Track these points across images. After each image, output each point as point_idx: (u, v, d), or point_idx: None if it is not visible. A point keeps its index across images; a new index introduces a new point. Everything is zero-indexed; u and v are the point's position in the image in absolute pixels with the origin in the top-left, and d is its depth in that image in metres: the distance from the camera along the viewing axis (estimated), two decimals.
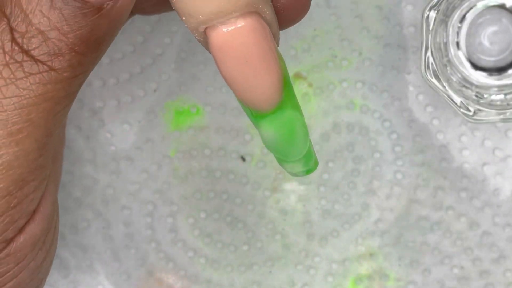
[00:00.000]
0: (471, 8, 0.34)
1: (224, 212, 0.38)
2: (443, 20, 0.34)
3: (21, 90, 0.25)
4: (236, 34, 0.25)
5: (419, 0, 0.36)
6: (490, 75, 0.35)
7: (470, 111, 0.34)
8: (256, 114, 0.26)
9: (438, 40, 0.34)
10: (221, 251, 0.38)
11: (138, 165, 0.38)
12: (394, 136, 0.37)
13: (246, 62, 0.25)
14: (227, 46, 0.25)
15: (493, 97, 0.35)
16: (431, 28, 0.33)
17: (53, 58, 0.25)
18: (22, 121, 0.25)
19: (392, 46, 0.37)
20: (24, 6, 0.24)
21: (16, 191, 0.26)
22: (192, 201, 0.38)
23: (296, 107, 0.27)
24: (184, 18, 0.25)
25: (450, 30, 0.34)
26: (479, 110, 0.34)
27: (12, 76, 0.25)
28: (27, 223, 0.27)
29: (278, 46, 0.27)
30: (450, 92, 0.34)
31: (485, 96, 0.35)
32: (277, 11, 0.28)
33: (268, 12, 0.26)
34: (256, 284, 0.38)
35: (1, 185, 0.25)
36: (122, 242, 0.38)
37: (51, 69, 0.25)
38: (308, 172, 0.28)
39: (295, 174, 0.28)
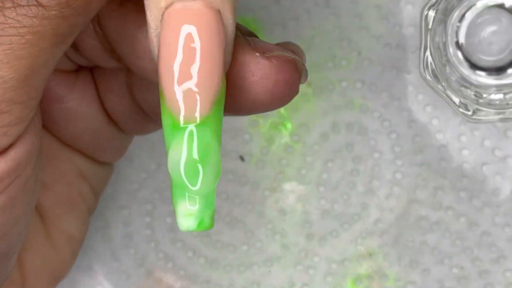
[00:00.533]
0: (470, 8, 0.34)
1: (223, 212, 0.38)
2: (442, 20, 0.34)
3: (7, 18, 0.25)
4: (194, 16, 0.24)
5: (418, 0, 0.36)
6: (489, 75, 0.35)
7: (469, 110, 0.34)
8: (174, 124, 0.25)
9: (437, 39, 0.34)
10: (221, 251, 0.38)
11: (138, 164, 0.38)
12: (393, 136, 0.37)
13: (191, 52, 0.24)
14: (180, 26, 0.24)
15: (492, 96, 0.35)
16: (430, 27, 0.33)
17: None
18: (4, 49, 0.25)
19: (392, 45, 0.37)
20: None
21: None
22: None
23: (219, 135, 0.25)
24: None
25: (449, 29, 0.34)
26: (478, 109, 0.34)
27: (1, 4, 0.25)
28: None
29: (226, 69, 0.25)
30: (449, 92, 0.34)
31: (484, 95, 0.34)
32: (256, 84, 0.27)
33: (231, 22, 0.25)
34: (256, 284, 0.38)
35: None
36: (121, 241, 0.38)
37: (39, 4, 0.25)
38: (200, 225, 0.25)
39: (186, 222, 0.25)
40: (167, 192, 0.38)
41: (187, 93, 0.24)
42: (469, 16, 0.34)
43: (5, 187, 0.27)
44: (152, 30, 0.25)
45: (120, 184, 0.38)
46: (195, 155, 0.25)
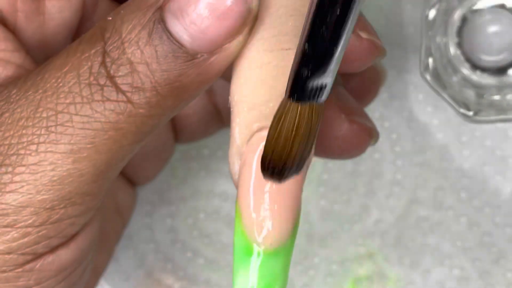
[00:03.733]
0: (471, 8, 0.34)
1: (223, 213, 0.38)
2: (443, 20, 0.34)
3: (94, 111, 0.25)
4: None
5: (418, 0, 0.36)
6: (490, 75, 0.35)
7: (470, 111, 0.34)
8: (248, 248, 0.25)
9: (437, 40, 0.34)
10: (220, 251, 0.38)
11: None
12: (394, 136, 0.37)
13: (282, 185, 0.25)
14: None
15: (493, 97, 0.35)
16: (430, 28, 0.33)
17: (134, 90, 0.25)
18: (86, 142, 0.25)
19: (392, 46, 0.37)
20: (123, 35, 0.25)
21: (59, 208, 0.26)
22: (191, 202, 0.38)
23: (288, 266, 0.26)
24: (245, 109, 0.25)
25: (450, 30, 0.34)
26: (479, 110, 0.34)
27: (90, 96, 0.25)
28: (60, 245, 0.27)
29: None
30: (450, 92, 0.34)
31: (485, 96, 0.34)
32: (334, 140, 0.28)
33: (310, 159, 0.25)
34: None
35: (47, 197, 0.25)
36: (121, 242, 0.38)
37: (129, 101, 0.25)
38: None
39: None
40: (167, 193, 0.38)
41: (265, 222, 0.25)
42: (469, 16, 0.34)
43: (66, 276, 0.27)
44: (237, 147, 0.25)
45: None
46: (263, 283, 0.25)
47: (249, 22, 0.25)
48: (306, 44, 0.23)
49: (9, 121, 0.25)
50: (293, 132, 0.24)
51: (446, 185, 0.37)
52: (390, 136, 0.37)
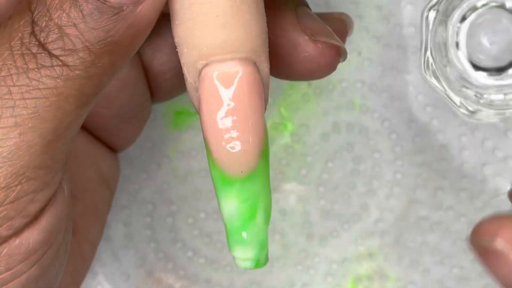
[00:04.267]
0: (470, 8, 0.34)
1: None
2: (443, 20, 0.34)
3: (31, 80, 0.25)
4: (232, 78, 0.25)
5: (418, 0, 0.36)
6: (490, 75, 0.35)
7: (469, 111, 0.34)
8: (224, 179, 0.26)
9: (437, 40, 0.34)
10: (221, 251, 0.38)
11: (138, 165, 0.38)
12: (393, 136, 0.37)
13: (233, 112, 0.25)
14: (219, 88, 0.25)
15: (493, 97, 0.35)
16: (430, 28, 0.33)
17: (67, 53, 0.25)
18: (28, 112, 0.25)
19: (392, 46, 0.37)
20: (48, 2, 0.25)
21: (15, 185, 0.25)
22: (192, 201, 0.38)
23: (267, 183, 0.26)
24: (185, 50, 0.25)
25: (450, 30, 0.34)
26: (479, 110, 0.34)
27: (25, 65, 0.25)
28: (25, 227, 0.26)
29: (266, 111, 0.26)
30: (450, 92, 0.34)
31: (484, 96, 0.34)
32: (300, 62, 0.28)
33: (266, 70, 0.26)
34: (256, 284, 0.38)
35: (0, 174, 0.25)
36: (122, 242, 0.38)
37: (64, 64, 0.25)
38: (257, 264, 0.27)
39: (243, 263, 0.27)
40: (167, 193, 0.38)
41: (233, 149, 0.25)
42: (469, 16, 0.34)
43: (38, 259, 0.27)
44: (190, 84, 0.26)
45: (120, 184, 0.38)
46: (247, 206, 0.26)
47: None
48: None
49: None
50: None
51: (446, 185, 0.37)
52: (390, 136, 0.37)
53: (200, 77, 0.25)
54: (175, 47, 0.33)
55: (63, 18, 0.25)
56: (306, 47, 0.29)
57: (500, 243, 0.25)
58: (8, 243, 0.26)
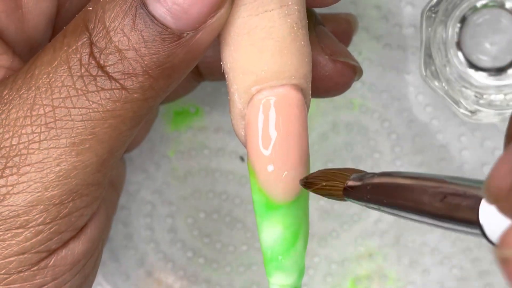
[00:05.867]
0: (470, 8, 0.34)
1: (223, 212, 0.38)
2: (443, 20, 0.34)
3: (91, 103, 0.25)
4: (283, 103, 0.26)
5: (418, 0, 0.36)
6: (490, 75, 0.35)
7: (469, 111, 0.34)
8: (269, 204, 0.26)
9: (437, 40, 0.34)
10: (220, 251, 0.38)
11: (137, 165, 0.38)
12: (393, 136, 0.37)
13: (284, 137, 0.26)
14: (271, 113, 0.26)
15: (493, 97, 0.35)
16: (430, 28, 0.33)
17: (126, 77, 0.25)
18: (86, 133, 0.25)
19: (392, 46, 0.37)
20: (107, 24, 0.25)
21: (68, 202, 0.26)
22: (191, 201, 0.38)
23: (308, 208, 0.27)
24: (241, 75, 0.26)
25: (450, 30, 0.34)
26: (479, 110, 0.34)
27: (84, 88, 0.25)
28: (71, 239, 0.27)
29: None
30: (450, 92, 0.34)
31: (484, 96, 0.34)
32: (319, 81, 0.29)
33: (309, 98, 0.27)
34: (256, 284, 0.38)
35: (55, 192, 0.26)
36: (121, 242, 0.38)
37: (123, 87, 0.25)
38: None
39: None
40: (166, 193, 0.38)
41: (279, 175, 0.26)
42: (469, 16, 0.34)
43: (81, 268, 0.28)
44: (239, 110, 0.26)
45: None
46: (290, 232, 0.26)
47: None
48: None
49: (6, 123, 0.26)
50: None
51: None
52: (390, 136, 0.37)
53: (252, 102, 0.26)
54: None
55: (123, 41, 0.25)
56: (326, 67, 0.29)
57: None
58: (55, 254, 0.27)
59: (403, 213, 0.24)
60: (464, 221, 0.23)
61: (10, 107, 0.26)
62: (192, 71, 0.34)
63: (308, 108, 0.26)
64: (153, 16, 0.25)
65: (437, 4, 0.33)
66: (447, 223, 0.23)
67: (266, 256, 0.27)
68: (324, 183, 0.26)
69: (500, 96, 0.35)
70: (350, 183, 0.26)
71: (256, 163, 0.26)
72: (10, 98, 0.26)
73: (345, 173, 0.27)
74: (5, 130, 0.25)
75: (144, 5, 0.25)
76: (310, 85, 0.26)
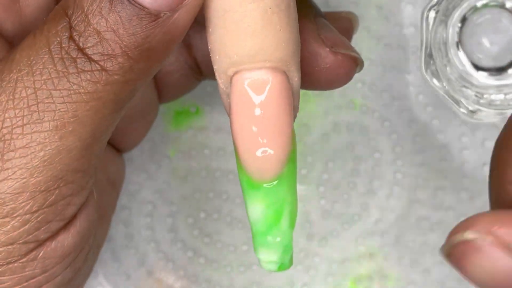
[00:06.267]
0: (471, 8, 0.34)
1: (223, 212, 0.38)
2: (443, 20, 0.34)
3: (72, 84, 0.25)
4: (262, 85, 0.26)
5: (418, 0, 0.36)
6: (490, 75, 0.35)
7: (470, 111, 0.34)
8: (251, 183, 0.26)
9: (438, 40, 0.34)
10: (221, 251, 0.38)
11: (138, 165, 0.38)
12: (394, 136, 0.37)
13: (262, 119, 0.26)
14: (249, 95, 0.26)
15: (493, 97, 0.35)
16: (431, 28, 0.33)
17: (105, 58, 0.25)
18: (69, 116, 0.25)
19: (392, 46, 0.37)
20: (85, 8, 0.25)
21: (54, 189, 0.26)
22: (192, 201, 0.38)
23: (294, 188, 0.27)
24: (217, 57, 0.26)
25: (450, 30, 0.34)
26: (479, 110, 0.34)
27: (65, 70, 0.25)
28: (60, 230, 0.27)
29: (294, 119, 0.27)
30: (450, 92, 0.34)
31: (485, 96, 0.34)
32: (320, 73, 0.29)
33: (296, 79, 0.26)
34: (256, 284, 0.38)
35: (40, 178, 0.25)
36: (122, 242, 0.38)
37: (103, 68, 0.25)
38: (281, 267, 0.27)
39: (267, 266, 0.27)
40: (167, 193, 0.38)
41: (261, 155, 0.26)
42: (469, 16, 0.34)
43: (71, 261, 0.27)
44: (222, 89, 0.26)
45: None
46: (272, 210, 0.26)
47: None
48: None
49: None
50: None
51: (446, 185, 0.37)
52: (390, 136, 0.37)
53: (231, 84, 0.26)
54: (182, 47, 0.33)
55: (101, 23, 0.25)
56: (326, 59, 0.29)
57: (472, 234, 0.25)
58: (45, 246, 0.26)
59: None
60: None
61: None
62: (193, 69, 0.34)
63: (296, 93, 0.27)
64: None
65: (437, 4, 0.33)
66: None
67: (252, 233, 0.27)
68: None
69: (501, 96, 0.35)
70: None
71: (236, 141, 0.26)
72: None
73: None
74: None
75: None
76: (294, 70, 0.26)
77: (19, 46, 0.26)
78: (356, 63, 0.30)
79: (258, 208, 0.27)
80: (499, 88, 0.35)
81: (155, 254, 0.38)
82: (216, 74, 0.26)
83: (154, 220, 0.38)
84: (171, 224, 0.38)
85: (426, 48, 0.34)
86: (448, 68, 0.34)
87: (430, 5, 0.33)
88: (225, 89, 0.26)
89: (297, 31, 0.26)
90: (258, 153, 0.26)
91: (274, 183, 0.26)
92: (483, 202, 0.37)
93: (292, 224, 0.27)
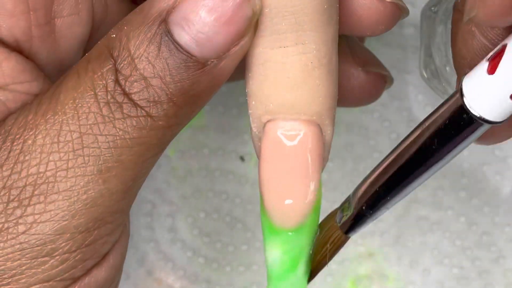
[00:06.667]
0: None
1: (223, 212, 0.38)
2: (443, 20, 0.34)
3: (117, 130, 0.25)
4: (294, 136, 0.26)
5: (418, 0, 0.36)
6: None
7: None
8: (272, 228, 0.27)
9: (437, 40, 0.34)
10: (220, 251, 0.38)
11: None
12: (393, 135, 0.37)
13: (291, 169, 0.26)
14: (281, 144, 0.26)
15: None
16: (430, 28, 0.33)
17: (151, 104, 0.25)
18: (113, 160, 0.25)
19: (392, 46, 0.37)
20: (132, 51, 0.25)
21: (93, 229, 0.26)
22: (191, 201, 0.38)
23: (312, 239, 0.27)
24: (253, 103, 0.26)
25: (450, 30, 0.34)
26: None
27: (111, 114, 0.25)
28: (94, 266, 0.27)
29: (323, 169, 0.27)
30: (449, 92, 0.34)
31: None
32: (352, 91, 0.30)
33: (329, 132, 0.27)
34: (256, 284, 0.38)
35: (81, 220, 0.26)
36: None
37: (148, 115, 0.25)
38: None
39: None
40: (167, 193, 0.38)
41: (286, 204, 0.26)
42: None
43: None
44: (254, 133, 0.27)
45: None
46: (289, 257, 0.27)
47: (254, 24, 0.25)
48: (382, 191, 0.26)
49: (33, 149, 0.25)
50: (328, 257, 0.28)
51: (446, 184, 0.37)
52: (390, 136, 0.37)
53: (264, 130, 0.26)
54: None
55: (148, 69, 0.25)
56: (358, 78, 0.30)
57: None
58: (79, 281, 0.27)
59: (407, 186, 0.25)
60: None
61: (37, 133, 0.25)
62: None
63: (328, 146, 0.27)
64: (178, 44, 0.25)
65: (437, 4, 0.33)
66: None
67: (267, 274, 0.27)
68: (324, 249, 0.28)
69: None
70: (341, 222, 0.28)
71: (262, 187, 0.26)
72: (36, 123, 0.26)
73: (327, 225, 0.28)
74: (32, 157, 0.25)
75: (169, 33, 0.25)
76: (328, 123, 0.27)
77: (63, 86, 0.26)
78: (385, 81, 0.31)
79: (275, 253, 0.27)
80: None
81: (154, 254, 0.38)
82: (251, 118, 0.27)
83: (153, 220, 0.38)
84: (171, 223, 0.38)
85: (425, 48, 0.34)
86: (447, 68, 0.34)
87: (430, 5, 0.33)
88: (257, 133, 0.27)
89: (335, 85, 0.27)
90: (283, 202, 0.26)
91: (294, 231, 0.27)
92: (482, 202, 0.37)
93: (308, 272, 0.27)
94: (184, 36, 0.25)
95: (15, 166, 0.25)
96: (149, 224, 0.38)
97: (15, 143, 0.25)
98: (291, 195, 0.26)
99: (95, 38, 0.29)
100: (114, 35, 0.25)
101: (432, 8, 0.33)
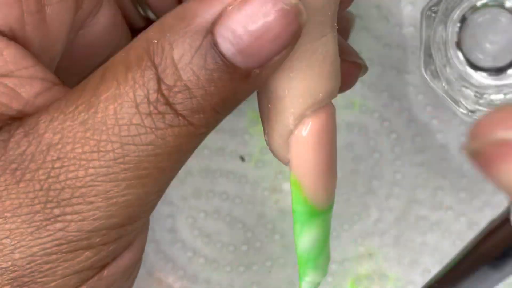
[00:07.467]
0: (470, 8, 0.34)
1: (223, 212, 0.38)
2: (443, 20, 0.34)
3: (159, 139, 0.25)
4: (331, 120, 0.27)
5: (418, 0, 0.36)
6: (490, 75, 0.35)
7: (469, 110, 0.34)
8: (312, 213, 0.28)
9: (437, 40, 0.34)
10: (220, 251, 0.38)
11: None
12: (393, 136, 0.37)
13: (331, 151, 0.27)
14: (326, 130, 0.27)
15: (493, 97, 0.35)
16: (430, 28, 0.33)
17: (194, 114, 0.25)
18: (152, 167, 0.26)
19: (392, 46, 0.37)
20: (176, 60, 0.25)
21: (127, 225, 0.27)
22: (192, 201, 0.38)
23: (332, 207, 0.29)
24: (300, 100, 0.26)
25: (450, 29, 0.34)
26: (479, 110, 0.34)
27: (153, 126, 0.25)
28: (123, 251, 0.28)
29: None
30: (450, 92, 0.34)
31: (484, 96, 0.34)
32: None
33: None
34: (256, 284, 0.38)
35: (117, 220, 0.26)
36: None
37: (190, 123, 0.25)
38: (317, 284, 0.29)
39: (308, 286, 0.29)
40: (167, 193, 0.38)
41: (326, 186, 0.28)
42: (469, 16, 0.34)
43: (129, 275, 0.29)
44: (286, 132, 0.27)
45: None
46: (324, 235, 0.28)
47: (299, 35, 0.25)
48: None
49: (72, 156, 0.25)
50: None
51: (446, 185, 0.37)
52: (390, 136, 0.37)
53: (313, 118, 0.27)
54: None
55: (193, 80, 0.25)
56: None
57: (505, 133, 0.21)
58: (107, 268, 0.27)
59: None
60: None
61: (76, 141, 0.25)
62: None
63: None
64: (224, 56, 0.25)
65: (437, 4, 0.33)
66: None
67: (303, 259, 0.28)
68: None
69: (500, 96, 0.35)
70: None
71: (307, 178, 0.27)
72: (75, 131, 0.26)
73: None
74: (70, 163, 0.25)
75: (215, 45, 0.24)
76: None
77: (101, 94, 0.26)
78: (360, 69, 0.32)
79: (314, 235, 0.28)
80: (498, 88, 0.35)
81: (155, 254, 0.38)
82: (290, 118, 0.27)
83: (153, 220, 0.38)
84: (171, 224, 0.38)
85: (425, 48, 0.34)
86: (447, 68, 0.34)
87: (430, 5, 0.33)
88: (293, 131, 0.27)
89: None
90: (329, 182, 0.27)
91: (327, 210, 0.28)
92: (482, 202, 0.37)
93: (329, 248, 0.29)
94: (231, 49, 0.24)
95: (52, 171, 0.25)
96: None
97: (51, 149, 0.26)
98: (333, 174, 0.27)
99: (77, 19, 0.30)
100: (155, 40, 0.25)
101: (432, 8, 0.33)
